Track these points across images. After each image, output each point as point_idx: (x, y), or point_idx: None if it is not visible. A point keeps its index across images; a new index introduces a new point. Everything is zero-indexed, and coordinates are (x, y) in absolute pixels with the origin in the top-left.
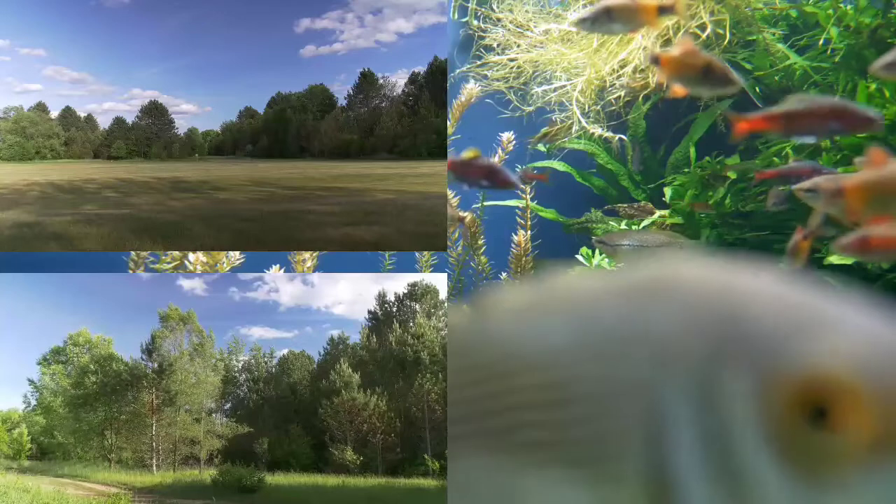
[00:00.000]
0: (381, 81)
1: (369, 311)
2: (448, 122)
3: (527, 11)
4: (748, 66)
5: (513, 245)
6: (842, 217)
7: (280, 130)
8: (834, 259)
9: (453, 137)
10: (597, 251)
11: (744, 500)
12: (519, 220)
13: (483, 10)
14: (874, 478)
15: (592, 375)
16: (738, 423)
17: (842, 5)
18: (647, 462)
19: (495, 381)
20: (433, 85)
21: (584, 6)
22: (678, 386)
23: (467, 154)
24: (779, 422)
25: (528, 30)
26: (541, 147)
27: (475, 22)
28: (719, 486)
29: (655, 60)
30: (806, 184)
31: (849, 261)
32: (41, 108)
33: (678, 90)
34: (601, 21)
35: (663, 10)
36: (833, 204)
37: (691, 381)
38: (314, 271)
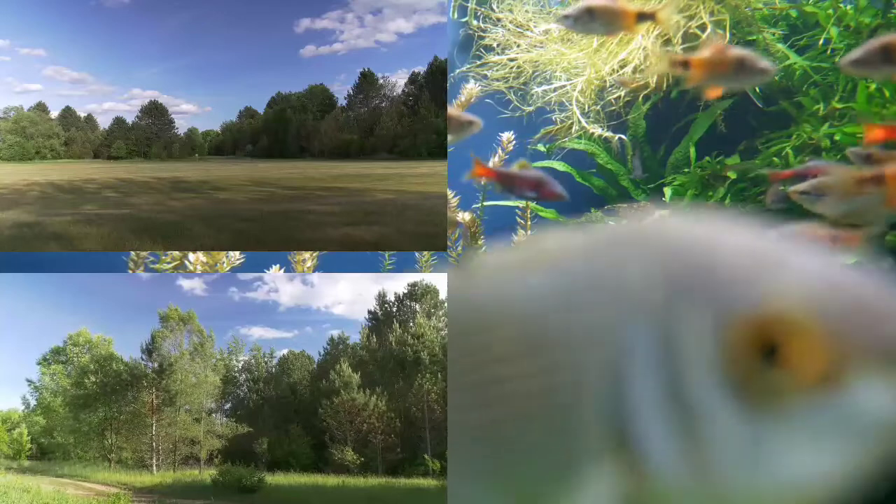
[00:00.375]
0: (381, 81)
1: (369, 311)
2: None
3: (527, 11)
4: None
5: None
6: (875, 207)
7: (280, 130)
8: None
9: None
10: None
11: (698, 434)
12: (519, 220)
13: (483, 10)
14: (818, 409)
15: (564, 325)
16: (695, 361)
17: (842, 5)
18: (611, 404)
19: (478, 336)
20: (433, 85)
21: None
22: (642, 329)
23: (515, 165)
24: (732, 358)
25: (527, 30)
26: (541, 147)
27: (475, 22)
28: (675, 422)
29: (685, 64)
30: (804, 185)
31: (849, 261)
32: (41, 108)
33: (714, 91)
34: (583, 20)
35: (643, 17)
36: (850, 197)
37: (654, 324)
38: (314, 271)
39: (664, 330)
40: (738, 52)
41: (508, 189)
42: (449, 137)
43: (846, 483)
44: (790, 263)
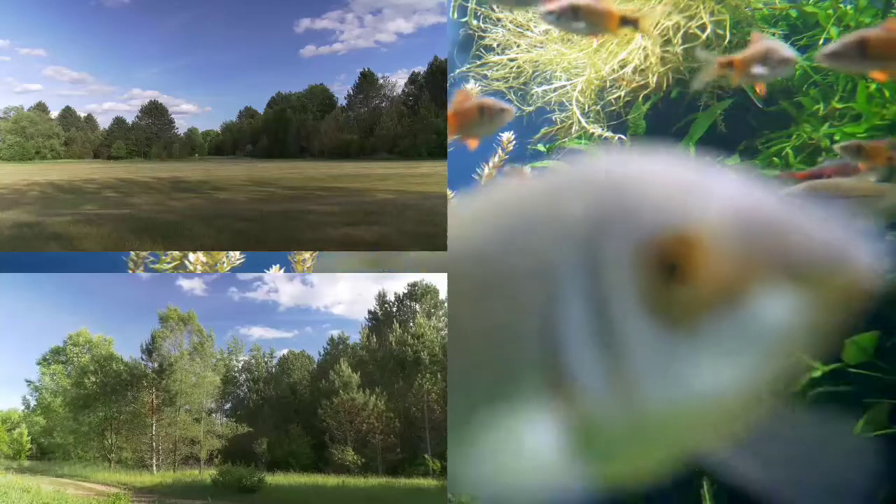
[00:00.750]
0: (381, 81)
1: (369, 311)
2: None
3: (526, 11)
4: None
5: None
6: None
7: (280, 130)
8: None
9: (453, 137)
10: None
11: (620, 356)
12: None
13: (483, 10)
14: (723, 324)
15: (510, 267)
16: (615, 286)
17: (842, 5)
18: (549, 338)
19: (451, 276)
20: (433, 85)
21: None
22: (571, 263)
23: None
24: (643, 280)
25: (527, 30)
26: (540, 147)
27: (475, 22)
28: (601, 347)
29: (728, 65)
30: (798, 187)
31: None
32: (41, 108)
33: (762, 87)
34: (566, 17)
35: (626, 22)
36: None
37: (582, 257)
38: (314, 271)
39: (590, 261)
40: (764, 44)
41: None
42: (484, 128)
43: (753, 392)
44: (699, 187)
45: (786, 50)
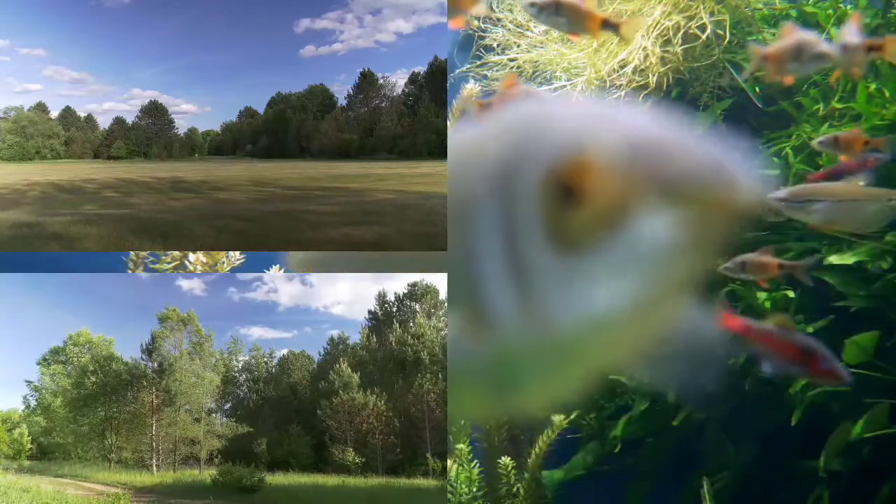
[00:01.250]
0: (381, 81)
1: (369, 311)
2: (448, 122)
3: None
4: (748, 67)
5: None
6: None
7: (280, 130)
8: (833, 259)
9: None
10: None
11: (527, 282)
12: None
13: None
14: (612, 244)
15: (461, 206)
16: (523, 217)
17: (842, 5)
18: (472, 273)
19: None
20: (433, 85)
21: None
22: (489, 201)
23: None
24: (546, 208)
25: (528, 30)
26: None
27: (475, 22)
28: (512, 277)
29: (766, 58)
30: (782, 192)
31: (849, 260)
32: (41, 108)
33: (789, 79)
34: (548, 11)
35: (607, 25)
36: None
37: (497, 193)
38: (313, 271)
39: (504, 197)
40: (802, 37)
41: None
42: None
43: (647, 307)
44: (599, 118)
45: (821, 44)
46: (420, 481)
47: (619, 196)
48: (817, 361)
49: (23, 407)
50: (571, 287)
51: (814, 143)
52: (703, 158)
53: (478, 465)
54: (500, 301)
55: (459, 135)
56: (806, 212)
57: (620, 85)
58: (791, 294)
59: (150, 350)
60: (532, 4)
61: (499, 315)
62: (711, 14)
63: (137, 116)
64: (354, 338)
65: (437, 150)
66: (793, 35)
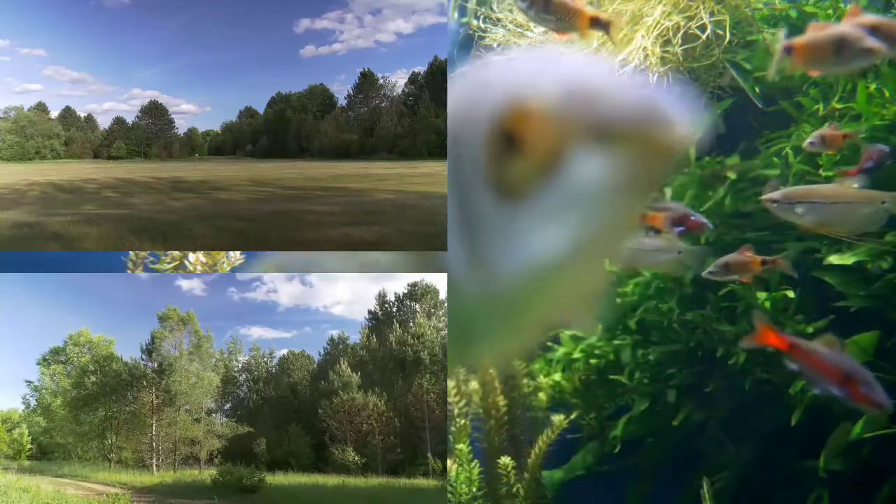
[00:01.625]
0: (381, 81)
1: (369, 311)
2: (448, 122)
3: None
4: (748, 67)
5: None
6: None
7: (280, 130)
8: (833, 259)
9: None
10: None
11: (477, 235)
12: None
13: (483, 10)
14: (549, 189)
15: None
16: (473, 169)
17: (842, 5)
18: (442, 237)
19: None
20: (433, 85)
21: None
22: (451, 156)
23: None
24: (490, 158)
25: (528, 30)
26: None
27: (475, 22)
28: (465, 230)
29: (789, 49)
30: (775, 194)
31: (849, 260)
32: (41, 108)
33: (814, 72)
34: (538, 7)
35: (596, 23)
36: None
37: (454, 146)
38: (313, 271)
39: (456, 150)
40: (840, 29)
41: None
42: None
43: (581, 252)
44: (542, 67)
45: (867, 39)
46: (420, 481)
47: (555, 141)
48: (858, 386)
49: (23, 407)
50: (513, 236)
51: (805, 144)
52: (636, 99)
53: (478, 465)
54: (455, 252)
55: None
56: (798, 214)
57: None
58: (791, 294)
59: (150, 350)
60: (523, 0)
61: (454, 266)
62: (711, 14)
63: (137, 116)
64: (354, 338)
65: (437, 150)
66: (830, 28)
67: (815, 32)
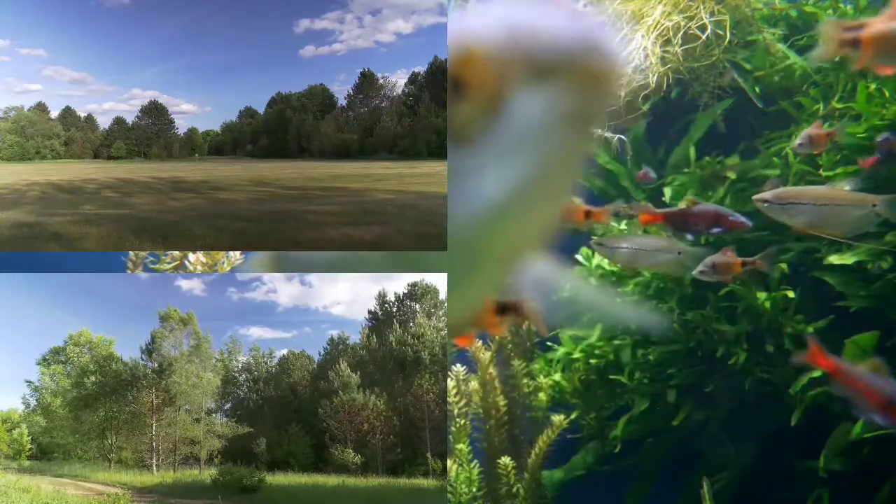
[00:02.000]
0: (381, 81)
1: (369, 311)
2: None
3: None
4: (748, 66)
5: None
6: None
7: (280, 130)
8: (833, 259)
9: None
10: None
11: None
12: None
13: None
14: (494, 132)
15: None
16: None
17: (842, 5)
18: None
19: None
20: (433, 85)
21: (584, 6)
22: None
23: (682, 202)
24: (451, 111)
25: None
26: None
27: None
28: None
29: (855, 43)
30: (766, 195)
31: (849, 260)
32: (41, 108)
33: (884, 69)
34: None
35: None
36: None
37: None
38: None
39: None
40: None
41: (683, 229)
42: None
43: (529, 190)
44: (486, 12)
45: None
46: (420, 481)
47: (498, 83)
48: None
49: (23, 407)
50: (465, 181)
51: (794, 146)
52: (574, 33)
53: (478, 465)
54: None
55: None
56: (789, 214)
57: (620, 85)
58: (791, 294)
59: (150, 350)
60: None
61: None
62: (711, 14)
63: (137, 116)
64: (354, 338)
65: (437, 150)
66: None
67: (889, 23)
